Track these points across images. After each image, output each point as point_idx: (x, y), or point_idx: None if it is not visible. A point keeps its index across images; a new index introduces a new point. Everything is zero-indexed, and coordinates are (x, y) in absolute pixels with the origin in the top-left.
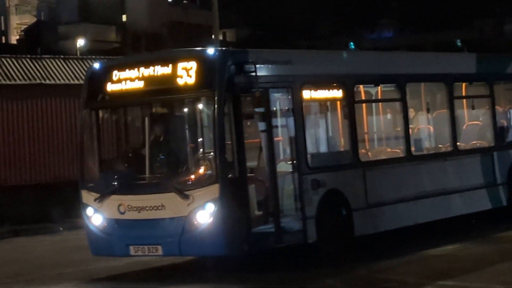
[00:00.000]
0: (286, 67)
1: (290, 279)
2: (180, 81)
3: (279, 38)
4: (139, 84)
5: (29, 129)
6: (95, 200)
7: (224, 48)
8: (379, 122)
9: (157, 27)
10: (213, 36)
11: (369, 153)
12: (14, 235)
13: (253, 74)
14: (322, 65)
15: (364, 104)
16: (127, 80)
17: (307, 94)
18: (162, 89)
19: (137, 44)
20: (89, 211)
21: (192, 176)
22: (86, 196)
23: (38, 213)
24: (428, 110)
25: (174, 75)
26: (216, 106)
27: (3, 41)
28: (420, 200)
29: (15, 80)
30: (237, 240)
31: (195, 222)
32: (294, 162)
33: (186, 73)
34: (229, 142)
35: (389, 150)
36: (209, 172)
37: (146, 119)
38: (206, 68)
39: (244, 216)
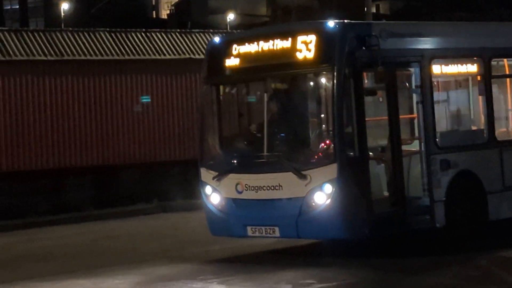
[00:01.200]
0: (414, 41)
1: (410, 267)
2: (299, 56)
3: (436, 9)
4: (257, 59)
5: (179, 104)
6: (213, 178)
7: (345, 21)
8: None
9: (308, 0)
10: (365, 9)
11: (508, 132)
12: (162, 210)
13: (376, 48)
14: (454, 38)
15: (501, 80)
16: (246, 55)
17: (437, 69)
18: (280, 64)
19: (287, 18)
20: (208, 189)
21: (310, 155)
22: (205, 174)
23: (185, 189)
24: None
25: (292, 49)
26: (335, 81)
27: (154, 16)
28: None
29: (165, 55)
30: (357, 223)
31: (313, 204)
32: (421, 141)
33: (305, 47)
34: (349, 120)
35: None
36: (327, 151)
37: (264, 95)
38: (325, 42)
39: (364, 198)
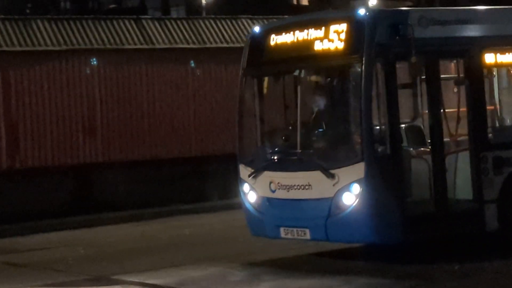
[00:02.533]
0: (461, 28)
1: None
2: (330, 47)
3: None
4: (291, 50)
5: None
6: (249, 176)
7: (377, 8)
8: None
9: None
10: None
11: None
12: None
13: (411, 37)
14: (509, 25)
15: None
16: (280, 45)
17: (489, 58)
18: (312, 56)
19: (432, 2)
20: (245, 187)
21: (339, 153)
22: (243, 171)
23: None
24: None
25: (324, 39)
26: (363, 74)
27: (295, 2)
28: None
29: None
30: (389, 226)
31: (342, 205)
32: (470, 137)
33: (337, 37)
34: (380, 115)
35: None
36: (355, 148)
37: (298, 88)
38: (354, 32)
39: (397, 199)
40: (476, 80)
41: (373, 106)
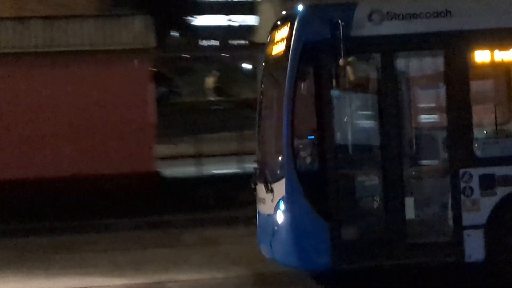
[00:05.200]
0: (431, 22)
1: None
2: (278, 49)
3: None
4: (268, 52)
5: None
6: (253, 185)
7: (311, 5)
8: None
9: None
10: None
11: None
12: None
13: (339, 36)
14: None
15: None
16: (268, 43)
17: (471, 55)
18: (270, 58)
19: None
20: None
21: (274, 165)
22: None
23: None
24: None
25: (277, 41)
26: (287, 78)
27: None
28: None
29: None
30: (316, 251)
31: (277, 223)
32: (446, 150)
33: (281, 37)
34: (306, 125)
35: None
36: (282, 161)
37: (261, 93)
38: (290, 31)
39: (326, 221)
40: (453, 79)
41: (298, 114)
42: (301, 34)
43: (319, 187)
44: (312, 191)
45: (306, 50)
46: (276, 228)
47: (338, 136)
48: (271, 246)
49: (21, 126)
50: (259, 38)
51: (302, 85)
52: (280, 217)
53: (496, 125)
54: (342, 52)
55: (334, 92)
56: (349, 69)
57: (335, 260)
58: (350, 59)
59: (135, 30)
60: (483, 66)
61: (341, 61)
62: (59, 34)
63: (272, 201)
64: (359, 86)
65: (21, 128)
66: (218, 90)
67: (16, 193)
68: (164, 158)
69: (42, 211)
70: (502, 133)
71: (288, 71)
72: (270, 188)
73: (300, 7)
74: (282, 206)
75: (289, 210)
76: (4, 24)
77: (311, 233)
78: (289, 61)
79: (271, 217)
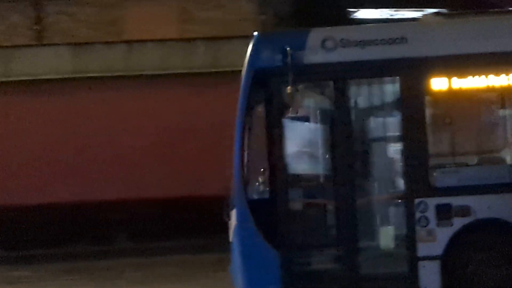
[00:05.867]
0: (380, 49)
1: None
2: None
3: None
4: None
5: None
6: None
7: (265, 32)
8: None
9: None
10: None
11: None
12: None
13: (288, 63)
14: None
15: None
16: None
17: (437, 82)
18: None
19: None
20: None
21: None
22: None
23: None
24: None
25: None
26: (239, 103)
27: None
28: None
29: None
30: (265, 280)
31: (232, 251)
32: (401, 178)
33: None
34: (257, 154)
35: None
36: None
37: None
38: (246, 58)
39: (273, 250)
40: (407, 108)
41: (250, 141)
42: (252, 61)
43: (269, 216)
44: (262, 219)
45: (257, 77)
46: (232, 255)
47: (289, 164)
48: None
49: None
50: None
51: (253, 112)
52: (233, 245)
53: (454, 154)
54: (290, 79)
55: (285, 120)
56: (296, 97)
57: None
58: (299, 86)
59: None
60: (439, 94)
61: (289, 89)
62: (223, 54)
63: (231, 229)
64: (311, 114)
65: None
66: None
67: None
68: None
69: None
70: (460, 162)
71: (239, 98)
72: (229, 216)
73: (255, 33)
74: (233, 234)
75: (240, 238)
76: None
77: (261, 261)
78: (240, 88)
79: (232, 243)
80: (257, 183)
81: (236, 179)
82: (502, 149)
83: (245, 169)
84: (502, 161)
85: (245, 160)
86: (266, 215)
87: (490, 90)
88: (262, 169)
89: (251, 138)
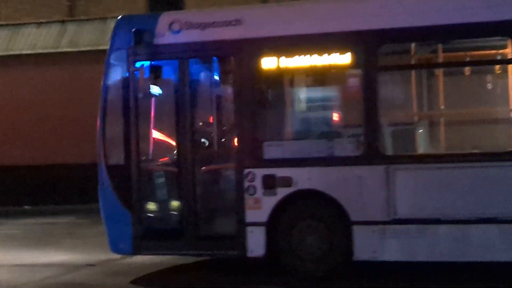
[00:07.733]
0: (230, 30)
1: None
2: None
3: None
4: None
5: None
6: None
7: (126, 15)
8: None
9: None
10: None
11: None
12: None
13: (151, 44)
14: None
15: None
16: None
17: (268, 62)
18: None
19: None
20: None
21: None
22: None
23: None
24: None
25: None
26: (102, 83)
27: None
28: None
29: None
30: (119, 238)
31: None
32: (235, 151)
33: None
34: (114, 125)
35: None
36: None
37: None
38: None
39: (127, 211)
40: (240, 86)
41: (110, 113)
42: (113, 41)
43: (124, 180)
44: (118, 183)
45: (116, 56)
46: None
47: (142, 134)
48: None
49: None
50: None
51: (112, 88)
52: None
53: (284, 128)
54: (140, 59)
55: (138, 96)
56: (147, 75)
57: (135, 248)
58: (149, 65)
59: None
60: (270, 73)
61: (139, 68)
62: None
63: None
64: (161, 91)
65: None
66: None
67: None
68: None
69: None
70: (287, 137)
71: (103, 76)
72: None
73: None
74: (98, 195)
75: (101, 199)
76: None
77: (117, 221)
78: (104, 68)
79: None
80: (115, 151)
81: (99, 147)
82: (326, 125)
83: (106, 137)
84: (324, 136)
85: (106, 130)
86: (121, 179)
87: (314, 69)
88: (119, 138)
89: (112, 111)
